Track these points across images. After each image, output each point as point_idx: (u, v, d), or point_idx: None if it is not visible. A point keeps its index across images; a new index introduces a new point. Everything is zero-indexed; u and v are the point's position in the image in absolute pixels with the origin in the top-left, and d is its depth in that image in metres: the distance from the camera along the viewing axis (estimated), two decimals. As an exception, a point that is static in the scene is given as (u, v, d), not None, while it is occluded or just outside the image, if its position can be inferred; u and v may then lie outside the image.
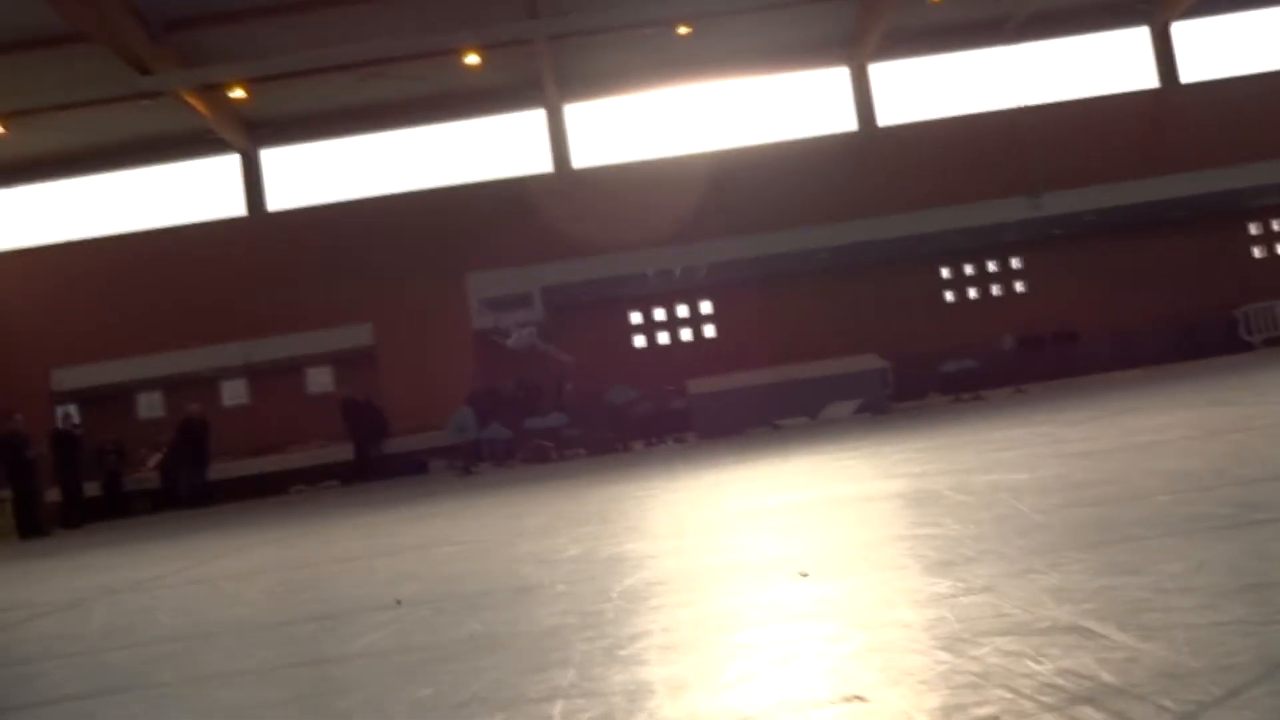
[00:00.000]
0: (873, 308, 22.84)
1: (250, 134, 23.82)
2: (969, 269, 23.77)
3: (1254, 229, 24.07)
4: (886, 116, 23.57)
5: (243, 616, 4.01)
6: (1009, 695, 1.59)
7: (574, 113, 23.95)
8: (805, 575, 2.91)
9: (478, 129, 24.38)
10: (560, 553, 4.34)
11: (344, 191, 24.17)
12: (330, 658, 2.83)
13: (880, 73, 23.72)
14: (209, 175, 24.65)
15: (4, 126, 20.71)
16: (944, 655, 1.88)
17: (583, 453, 18.33)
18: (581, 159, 23.78)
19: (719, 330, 23.44)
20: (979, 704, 1.58)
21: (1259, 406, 7.07)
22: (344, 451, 21.66)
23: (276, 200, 24.44)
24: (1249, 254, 24.06)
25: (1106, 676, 1.62)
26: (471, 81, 21.98)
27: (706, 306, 23.61)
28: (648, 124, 24.16)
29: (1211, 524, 2.88)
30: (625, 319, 23.58)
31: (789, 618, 2.42)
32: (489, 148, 24.26)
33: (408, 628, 3.04)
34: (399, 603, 3.49)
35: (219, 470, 21.49)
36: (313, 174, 24.62)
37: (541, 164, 23.73)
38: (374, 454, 21.59)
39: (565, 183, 23.32)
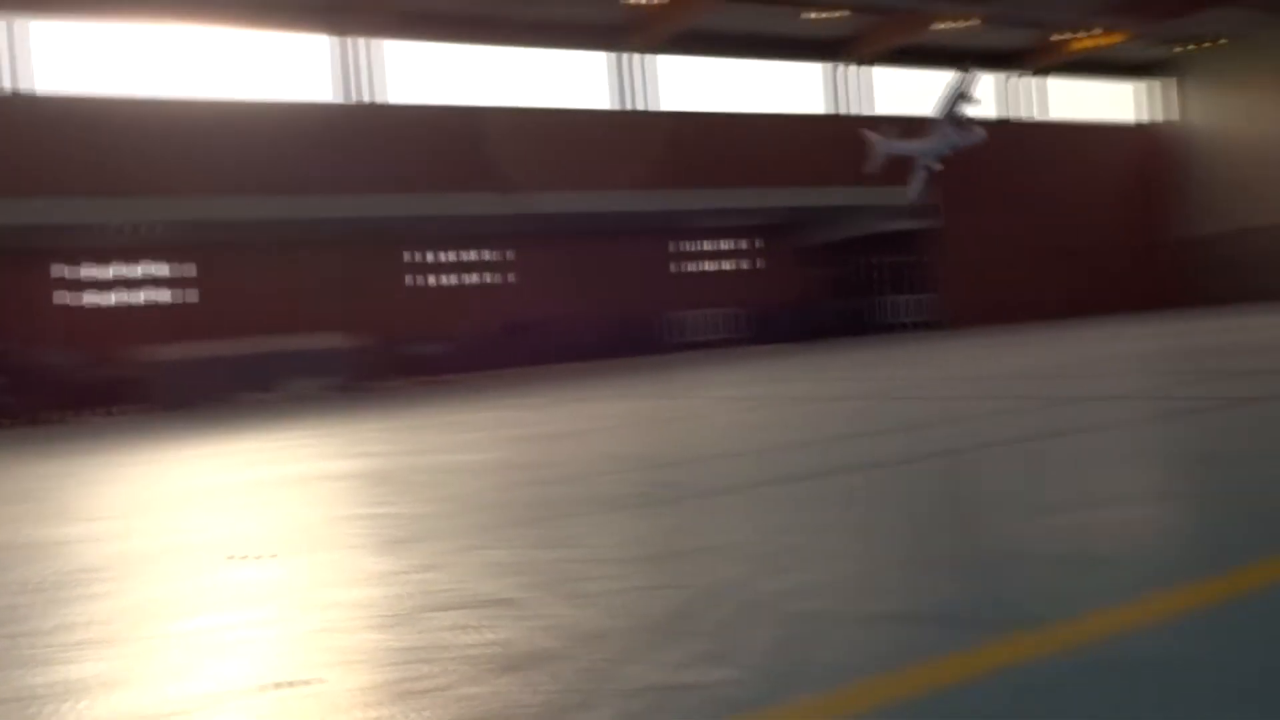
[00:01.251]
0: (346, 285, 22.50)
1: None
2: (441, 256, 24.39)
3: (688, 245, 27.68)
4: (374, 94, 23.33)
5: None
6: (450, 667, 1.66)
7: (36, 29, 20.51)
8: (256, 557, 2.79)
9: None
10: (-42, 539, 3.71)
11: None
12: None
13: (362, 49, 23.36)
14: None
15: None
16: (387, 633, 1.91)
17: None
18: (32, 83, 20.40)
19: (177, 296, 21.50)
20: (419, 678, 1.63)
21: (686, 400, 8.14)
22: None
23: None
24: (685, 266, 27.62)
25: (540, 642, 1.75)
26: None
27: (165, 269, 21.53)
28: (116, 59, 21.45)
29: (635, 501, 3.26)
30: (59, 271, 20.63)
31: (234, 602, 2.31)
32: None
33: None
34: None
35: None
36: None
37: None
38: None
39: (12, 107, 19.90)
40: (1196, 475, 3.03)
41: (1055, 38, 28.33)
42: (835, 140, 27.78)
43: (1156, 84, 33.23)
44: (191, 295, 21.36)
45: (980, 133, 18.26)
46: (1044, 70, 31.04)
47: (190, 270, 21.48)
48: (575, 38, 25.45)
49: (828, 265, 29.04)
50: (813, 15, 24.36)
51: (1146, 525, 2.31)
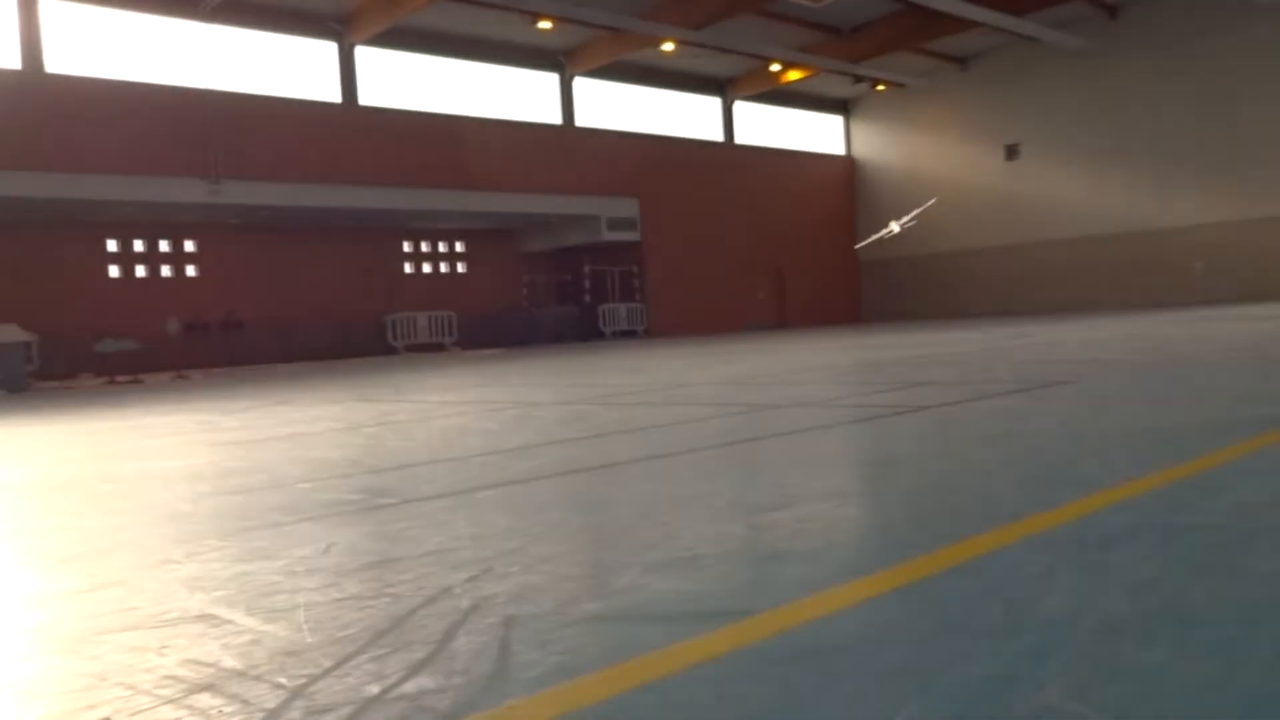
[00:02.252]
0: (23, 273, 20.28)
1: None
2: (139, 245, 22.52)
3: (407, 246, 27.11)
4: (59, 63, 21.14)
5: None
6: (127, 692, 1.52)
7: None
8: (-110, 580, 2.43)
9: None
10: None
11: None
12: None
13: (54, 12, 21.22)
14: None
15: None
16: (58, 659, 1.72)
17: None
18: None
19: None
20: (92, 706, 1.48)
21: (395, 404, 7.94)
22: None
23: None
24: (402, 268, 27.01)
25: (229, 661, 1.64)
26: None
27: None
28: None
29: (344, 509, 3.13)
30: None
31: None
32: None
33: None
34: None
35: None
36: None
37: None
38: None
39: None
40: (877, 475, 3.32)
41: (766, 69, 30.26)
42: (560, 149, 28.25)
43: (844, 120, 36.35)
44: None
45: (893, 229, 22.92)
46: (755, 97, 33.06)
47: None
48: (299, 25, 24.30)
49: (548, 272, 29.45)
50: (543, 25, 24.63)
51: (831, 522, 2.50)
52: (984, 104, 31.93)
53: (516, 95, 28.48)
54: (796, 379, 7.98)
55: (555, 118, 29.02)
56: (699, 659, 1.55)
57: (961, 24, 26.17)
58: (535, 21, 24.48)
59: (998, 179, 31.85)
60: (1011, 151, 31.51)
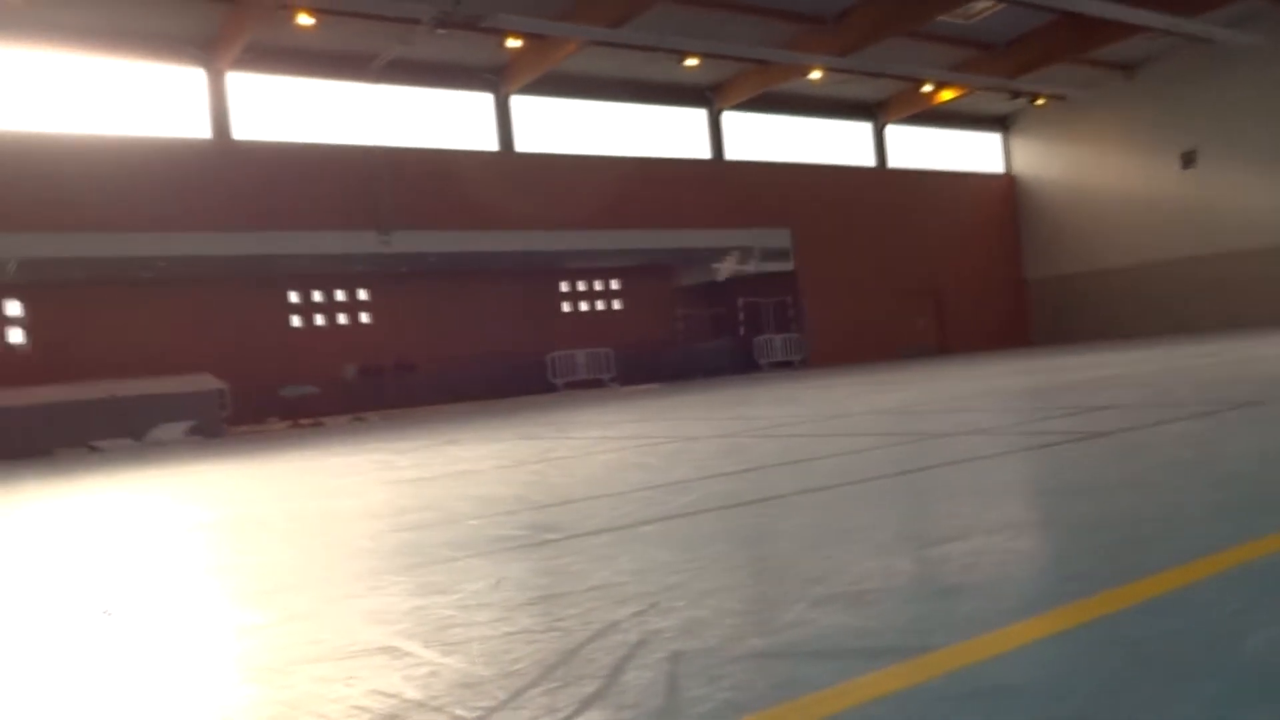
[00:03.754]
0: (214, 326, 21.78)
1: None
2: (317, 295, 23.86)
3: (564, 286, 27.74)
4: (243, 130, 22.76)
5: None
6: (325, 719, 1.60)
7: None
8: (109, 614, 2.63)
9: None
10: None
11: None
12: None
13: (239, 83, 22.89)
14: None
15: None
16: (256, 688, 1.83)
17: None
18: None
19: (28, 336, 20.42)
20: (286, 734, 1.56)
21: (557, 441, 8.10)
22: None
23: None
24: (560, 307, 27.65)
25: (411, 692, 1.70)
26: None
27: (13, 307, 20.45)
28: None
29: (511, 544, 3.21)
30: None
31: (81, 664, 2.17)
32: None
33: None
34: None
35: None
36: None
37: None
38: None
39: None
40: (1055, 507, 3.17)
41: (917, 90, 29.72)
42: (710, 183, 28.46)
43: (1002, 136, 35.21)
44: (45, 336, 20.33)
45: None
46: (907, 119, 32.49)
47: (42, 310, 20.45)
48: (458, 80, 25.42)
49: (702, 306, 29.56)
50: (690, 63, 24.94)
51: (1006, 555, 2.40)
52: (1154, 111, 30.34)
53: (666, 133, 28.88)
54: (961, 406, 7.73)
55: (705, 152, 29.26)
56: (869, 697, 1.51)
57: (1125, 30, 25.01)
58: (682, 60, 24.80)
59: (1174, 188, 30.12)
60: (1188, 159, 29.77)
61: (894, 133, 32.78)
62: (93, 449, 15.71)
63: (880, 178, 32.08)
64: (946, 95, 29.96)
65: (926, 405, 8.15)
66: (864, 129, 32.33)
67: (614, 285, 28.48)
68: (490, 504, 4.39)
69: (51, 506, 6.55)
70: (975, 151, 34.89)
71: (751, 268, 22.92)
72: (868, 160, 32.33)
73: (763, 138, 30.36)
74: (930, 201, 32.69)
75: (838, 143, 31.81)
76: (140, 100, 22.02)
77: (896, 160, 32.83)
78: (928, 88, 29.34)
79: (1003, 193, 34.88)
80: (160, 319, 21.14)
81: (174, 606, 2.71)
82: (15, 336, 20.32)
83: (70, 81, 21.25)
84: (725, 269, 23.21)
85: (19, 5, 17.99)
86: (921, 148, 33.55)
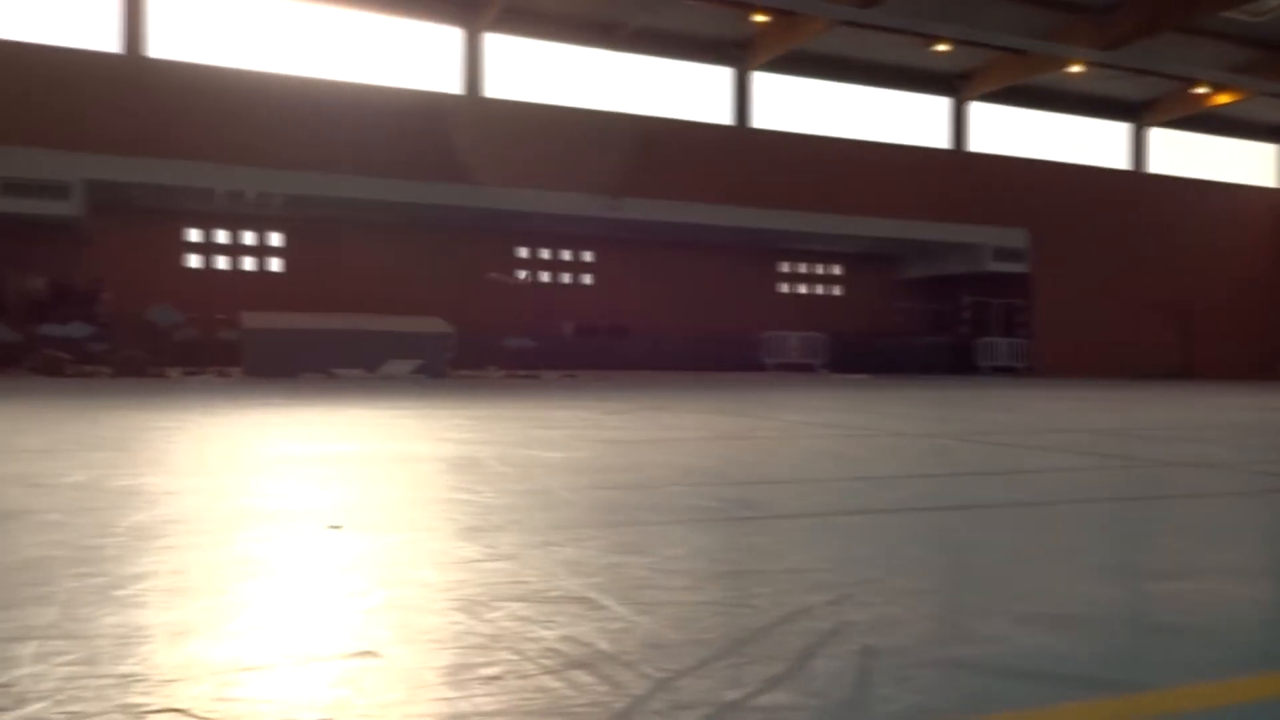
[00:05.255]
0: (445, 272, 22.98)
1: None
2: (544, 253, 24.71)
3: (784, 266, 27.50)
4: (492, 88, 23.78)
5: None
6: (515, 657, 1.69)
7: (157, -4, 21.54)
8: (337, 528, 2.86)
9: (33, -17, 21.08)
10: (61, 478, 3.88)
11: None
12: None
13: (494, 43, 23.89)
14: None
15: None
16: (460, 617, 1.94)
17: (108, 372, 16.54)
18: (158, 48, 21.42)
19: (286, 266, 22.25)
20: (486, 664, 1.65)
21: (763, 420, 8.09)
22: None
23: None
24: (777, 288, 27.45)
25: (603, 645, 1.77)
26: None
27: (276, 238, 22.30)
28: (243, 31, 22.33)
29: (708, 515, 3.25)
30: (180, 234, 21.58)
31: (311, 569, 2.37)
32: (48, 7, 21.06)
33: None
34: None
35: None
36: None
37: (108, 43, 21.04)
38: None
39: (133, 68, 20.88)
40: (1298, 557, 2.90)
41: (1187, 91, 27.48)
42: (946, 175, 27.44)
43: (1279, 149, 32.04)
44: (300, 268, 22.06)
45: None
46: (1173, 123, 30.13)
47: (300, 243, 22.19)
48: (701, 52, 25.56)
49: (923, 300, 28.60)
50: (940, 48, 24.03)
51: (1235, 600, 2.22)
52: None
53: (906, 119, 28.02)
54: (1197, 435, 7.17)
55: (944, 142, 28.21)
56: (1070, 726, 1.44)
57: None
58: (932, 45, 23.94)
59: None
60: None
61: (1156, 136, 30.49)
62: (331, 375, 16.97)
63: (1134, 182, 29.95)
64: (1222, 99, 27.54)
65: (1159, 430, 7.61)
66: (1120, 130, 30.26)
67: (835, 270, 28.00)
68: (691, 474, 4.45)
69: (302, 425, 7.14)
70: (1244, 163, 31.96)
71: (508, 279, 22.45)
72: (1120, 163, 30.24)
73: (1007, 131, 28.94)
74: (1189, 212, 30.26)
75: (1088, 142, 29.91)
76: (400, 54, 23.37)
77: (1155, 165, 30.54)
78: (1202, 89, 27.05)
79: (1274, 210, 31.84)
80: (399, 261, 22.50)
81: (394, 531, 2.91)
82: (275, 265, 22.17)
83: (337, 32, 22.81)
84: (499, 277, 22.97)
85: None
86: (1184, 154, 31.06)
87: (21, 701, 1.45)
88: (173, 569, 2.32)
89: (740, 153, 25.39)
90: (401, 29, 23.30)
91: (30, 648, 1.68)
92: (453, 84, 23.45)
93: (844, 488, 4.09)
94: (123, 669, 1.60)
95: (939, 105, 28.24)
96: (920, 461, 5.24)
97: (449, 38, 23.49)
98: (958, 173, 27.60)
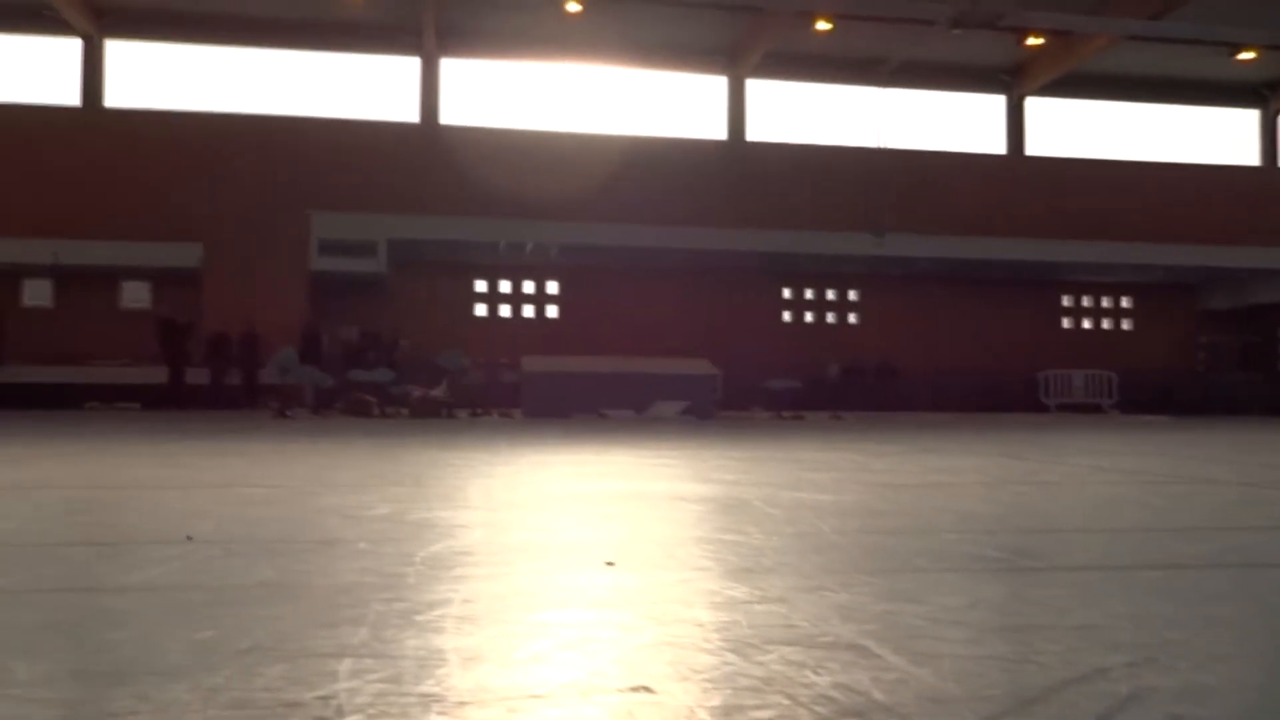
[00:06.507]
0: (710, 315, 23.37)
1: (97, 20, 22.27)
2: (809, 293, 24.61)
3: (1065, 300, 25.89)
4: (755, 132, 24.11)
5: (9, 531, 3.75)
6: (786, 701, 1.67)
7: (450, 67, 23.52)
8: (611, 564, 2.95)
9: (346, 64, 23.61)
10: (367, 510, 4.25)
11: (192, 101, 22.92)
12: (105, 587, 2.69)
13: (756, 89, 24.24)
14: (42, 55, 22.90)
15: None
16: (732, 657, 1.95)
17: (405, 413, 18.01)
18: (452, 116, 23.35)
19: (561, 312, 23.46)
20: (758, 707, 1.64)
21: (1045, 464, 7.61)
22: (150, 374, 20.56)
23: (115, 96, 22.93)
24: (1059, 323, 25.86)
25: (877, 694, 1.71)
26: (347, 14, 21.27)
27: (552, 286, 23.58)
28: (523, 94, 23.93)
29: (989, 565, 3.09)
30: (469, 284, 23.31)
31: (588, 603, 2.46)
32: (355, 86, 23.51)
33: (195, 565, 2.92)
34: (189, 539, 3.35)
35: (7, 374, 20.00)
36: (160, 76, 23.23)
37: (408, 114, 23.17)
38: (218, 382, 20.46)
39: (432, 137, 22.86)
40: None
41: None
42: (1255, 195, 24.95)
43: None
44: (574, 313, 23.18)
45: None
46: None
47: (572, 290, 23.32)
48: (969, 82, 24.78)
49: (1231, 333, 26.01)
50: (1244, 56, 21.99)
51: None
52: None
53: (1200, 135, 25.76)
54: None
55: (1253, 158, 25.70)
56: None
57: None
58: (1234, 54, 21.93)
59: None
60: None
61: None
62: (602, 415, 17.62)
63: None
64: None
65: None
66: None
67: (1124, 303, 26.04)
68: (968, 519, 4.26)
69: (575, 463, 7.47)
70: None
71: None
72: None
73: (1329, 143, 25.94)
74: None
75: None
76: (663, 105, 24.19)
77: None
78: None
79: None
80: (665, 304, 23.14)
81: (665, 569, 2.97)
82: (551, 312, 23.42)
83: (593, 88, 23.94)
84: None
85: (575, 16, 20.52)
86: None
87: (341, 713, 1.59)
88: (464, 598, 2.48)
89: (1014, 181, 24.25)
90: (664, 82, 24.14)
91: (346, 664, 1.85)
92: (715, 130, 23.97)
93: (1142, 539, 3.76)
94: (423, 689, 1.72)
95: (1246, 118, 25.76)
96: (1235, 513, 4.74)
97: (711, 86, 24.07)
98: (1264, 191, 24.98)
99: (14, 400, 19.00)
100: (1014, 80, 24.47)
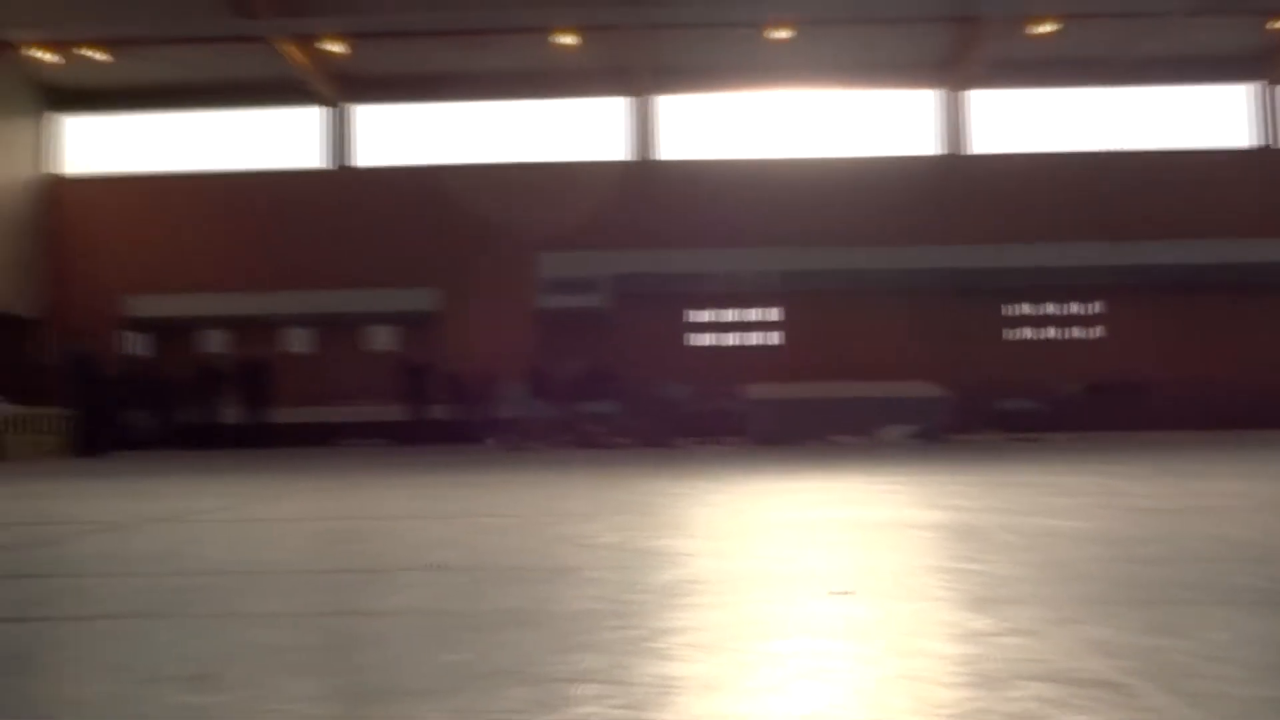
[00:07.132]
0: (936, 335, 22.59)
1: (342, 88, 24.24)
2: (1039, 308, 23.38)
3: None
4: (976, 144, 23.23)
5: (284, 560, 4.09)
6: (1039, 741, 1.57)
7: (663, 104, 24.05)
8: (847, 593, 2.89)
9: (566, 109, 24.59)
10: (597, 539, 4.36)
11: (428, 156, 24.52)
12: (365, 610, 2.88)
13: (974, 99, 23.40)
14: (296, 124, 25.11)
15: (109, 53, 21.30)
16: (978, 693, 1.85)
17: (629, 443, 18.39)
18: (665, 151, 23.85)
19: (784, 338, 23.35)
20: (1010, 746, 1.56)
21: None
22: (395, 411, 21.97)
23: (360, 157, 24.85)
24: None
25: (1143, 737, 1.59)
26: (565, 62, 22.16)
27: (774, 313, 23.54)
28: (735, 124, 24.14)
29: (1259, 597, 2.81)
30: (688, 314, 23.61)
31: (822, 633, 2.41)
32: (575, 129, 24.43)
33: (442, 592, 3.08)
34: (438, 566, 3.54)
35: (277, 415, 21.89)
36: (399, 135, 24.99)
37: (625, 152, 23.84)
38: (460, 419, 21.69)
39: (647, 173, 23.42)
40: None
41: None
42: None
43: None
44: (793, 339, 23.03)
45: None
46: None
47: (793, 315, 23.17)
48: (1208, 71, 23.00)
49: None
50: None
51: None
52: None
53: None
54: None
55: None
56: None
57: None
58: None
59: None
60: None
61: None
62: (828, 441, 17.35)
63: None
64: None
65: None
66: None
67: None
68: (1234, 547, 3.89)
69: (801, 490, 7.39)
70: None
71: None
72: None
73: None
74: None
75: None
76: (877, 123, 23.75)
77: None
78: None
79: None
80: (890, 326, 22.57)
81: (900, 599, 2.88)
82: (774, 338, 23.36)
83: (802, 112, 23.76)
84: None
85: (782, 42, 20.49)
86: None
87: (584, 738, 1.63)
88: (695, 626, 2.49)
89: (1272, 178, 22.17)
90: (867, 100, 23.72)
91: (584, 689, 1.89)
92: (931, 146, 23.28)
93: None
94: (664, 717, 1.74)
95: None
96: None
97: (925, 101, 23.43)
98: None
99: (281, 439, 20.84)
100: (1263, 67, 22.44)
